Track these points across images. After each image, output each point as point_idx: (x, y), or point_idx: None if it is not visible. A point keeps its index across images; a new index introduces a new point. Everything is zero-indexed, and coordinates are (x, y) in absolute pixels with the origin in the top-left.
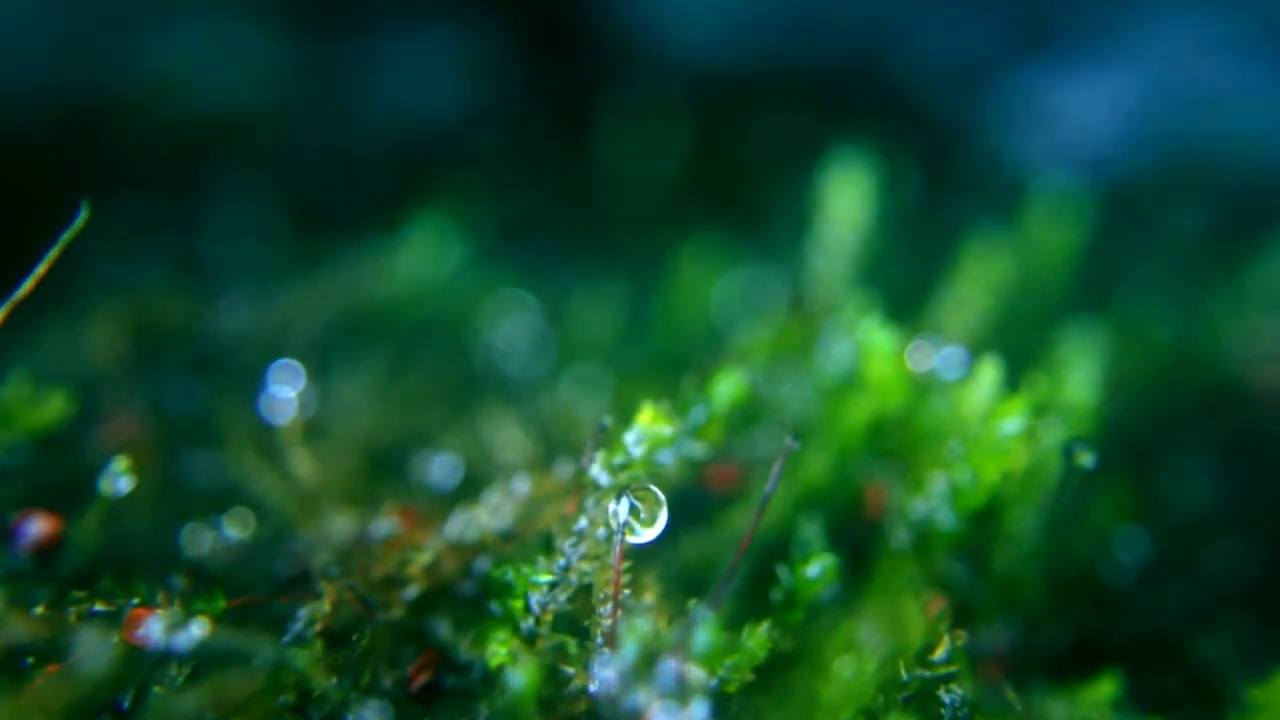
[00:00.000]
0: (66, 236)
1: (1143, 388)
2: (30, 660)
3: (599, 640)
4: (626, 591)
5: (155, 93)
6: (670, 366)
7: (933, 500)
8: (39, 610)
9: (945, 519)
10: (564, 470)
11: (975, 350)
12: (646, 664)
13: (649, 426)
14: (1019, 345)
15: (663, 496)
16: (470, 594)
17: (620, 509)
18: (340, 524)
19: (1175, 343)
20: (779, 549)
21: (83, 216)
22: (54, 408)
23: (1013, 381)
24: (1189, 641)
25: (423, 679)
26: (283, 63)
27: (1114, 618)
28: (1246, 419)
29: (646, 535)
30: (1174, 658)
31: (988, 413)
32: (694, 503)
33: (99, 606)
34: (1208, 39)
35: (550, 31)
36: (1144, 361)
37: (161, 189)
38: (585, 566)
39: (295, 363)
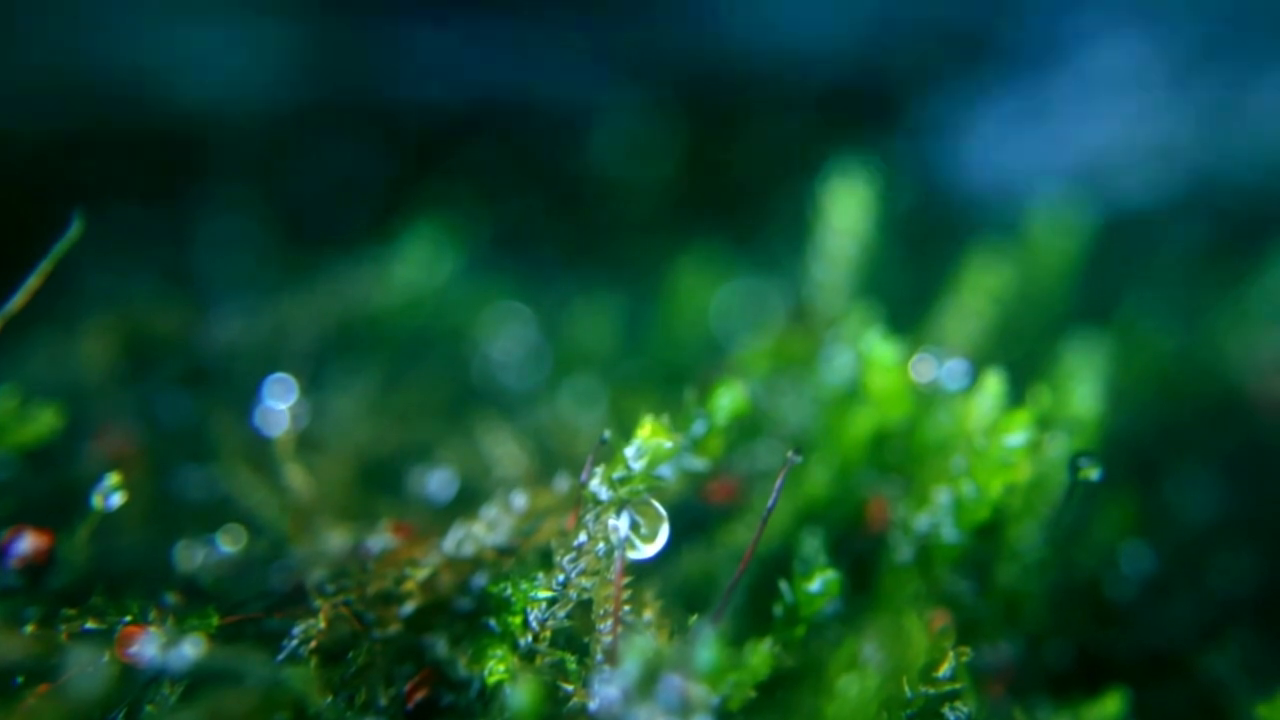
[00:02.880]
0: (60, 248)
1: (1146, 399)
2: (21, 679)
3: (599, 657)
4: (627, 607)
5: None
6: (669, 378)
7: (936, 514)
8: (29, 628)
9: (948, 533)
10: (563, 484)
11: (978, 362)
12: (648, 681)
13: (649, 440)
14: (1021, 357)
15: (664, 511)
16: (468, 610)
17: (621, 524)
18: (335, 539)
19: (1178, 354)
20: (780, 563)
21: (76, 228)
22: (44, 422)
23: (1016, 394)
24: (1195, 657)
25: (419, 696)
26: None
27: (1119, 633)
28: (1249, 430)
29: (647, 550)
30: (1180, 674)
31: (991, 425)
32: (694, 516)
33: (90, 624)
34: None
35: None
36: (1147, 373)
37: (152, 199)
38: (585, 582)
39: (288, 376)
